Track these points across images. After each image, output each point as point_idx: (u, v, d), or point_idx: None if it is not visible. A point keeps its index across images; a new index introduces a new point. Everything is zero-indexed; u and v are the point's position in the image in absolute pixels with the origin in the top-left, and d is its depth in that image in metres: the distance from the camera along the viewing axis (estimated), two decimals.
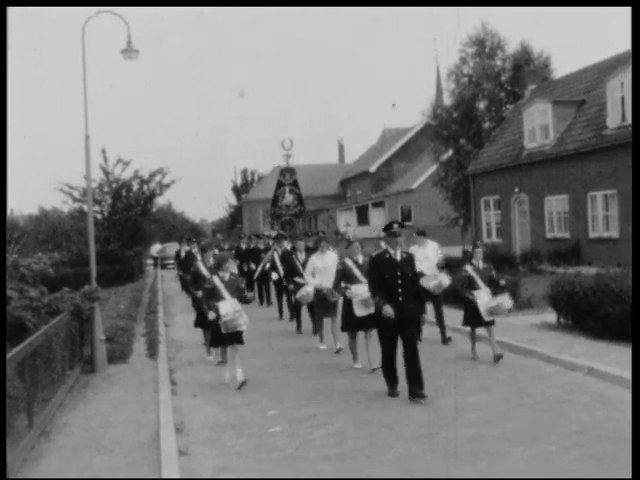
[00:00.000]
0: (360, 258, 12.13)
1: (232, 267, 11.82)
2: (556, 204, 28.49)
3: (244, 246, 23.79)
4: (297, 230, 36.45)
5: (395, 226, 9.91)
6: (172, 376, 12.20)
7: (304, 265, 15.52)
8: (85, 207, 34.16)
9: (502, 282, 12.58)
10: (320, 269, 13.99)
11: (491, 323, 12.16)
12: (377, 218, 50.70)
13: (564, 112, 28.47)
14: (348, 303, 11.90)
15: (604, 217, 25.53)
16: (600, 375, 10.53)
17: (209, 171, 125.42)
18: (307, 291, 14.57)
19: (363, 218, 52.54)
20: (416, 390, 9.62)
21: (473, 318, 12.27)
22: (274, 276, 19.62)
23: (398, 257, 9.85)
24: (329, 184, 64.78)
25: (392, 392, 10.00)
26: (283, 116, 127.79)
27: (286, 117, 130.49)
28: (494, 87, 36.00)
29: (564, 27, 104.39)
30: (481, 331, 12.57)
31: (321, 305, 14.03)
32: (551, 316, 15.01)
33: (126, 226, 38.84)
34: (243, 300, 11.48)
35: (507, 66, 36.23)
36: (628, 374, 10.16)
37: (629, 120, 23.78)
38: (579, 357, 11.61)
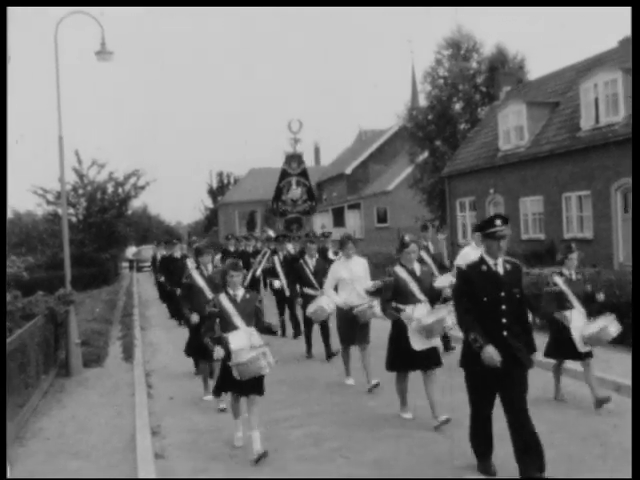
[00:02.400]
0: (417, 267, 8.85)
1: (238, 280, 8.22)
2: (531, 205, 28.65)
3: (232, 249, 19.89)
4: (303, 231, 29.95)
5: (498, 223, 6.65)
6: (148, 379, 12.13)
7: (316, 273, 13.14)
8: (59, 210, 33.96)
9: (600, 296, 9.45)
10: (346, 280, 10.81)
11: (588, 355, 9.18)
12: (353, 220, 50.79)
13: (539, 114, 28.62)
14: (400, 331, 8.64)
15: (578, 218, 25.71)
16: (573, 375, 10.59)
17: (185, 173, 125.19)
18: (321, 306, 11.72)
19: (339, 220, 52.54)
20: (531, 470, 6.48)
21: (562, 347, 9.28)
22: (276, 284, 16.30)
23: (500, 269, 6.69)
24: None
25: (486, 467, 6.93)
26: (258, 118, 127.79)
27: (261, 119, 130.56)
28: (469, 89, 36.17)
29: (542, 28, 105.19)
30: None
31: (349, 328, 10.71)
32: None
33: (101, 229, 38.62)
34: (265, 330, 8.32)
35: (482, 68, 36.44)
36: (601, 374, 10.26)
37: (602, 122, 24.00)
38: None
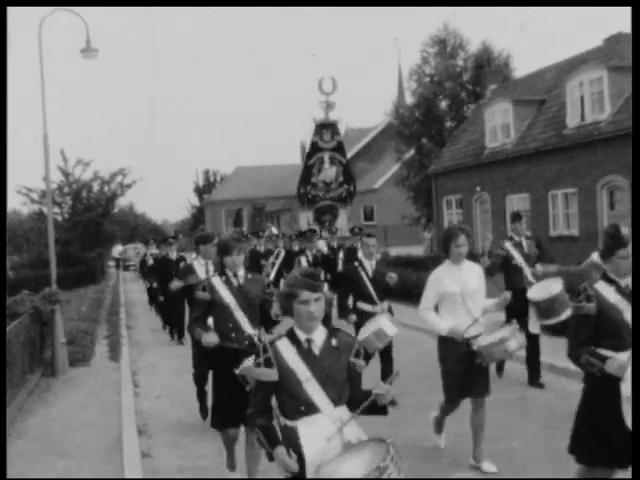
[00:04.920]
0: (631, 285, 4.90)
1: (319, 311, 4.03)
2: (517, 203, 28.70)
3: None
4: (332, 225, 25.23)
5: None
6: (135, 378, 12.10)
7: (375, 280, 9.38)
8: (44, 209, 33.81)
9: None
10: (455, 297, 6.78)
11: None
12: (339, 218, 50.74)
13: (525, 111, 28.69)
14: (613, 397, 4.72)
15: (565, 215, 25.80)
16: (561, 371, 10.62)
17: (171, 172, 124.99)
18: (380, 328, 8.33)
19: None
20: None
21: None
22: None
23: None
24: (291, 184, 64.67)
25: None
26: (245, 116, 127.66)
27: (248, 117, 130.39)
28: (455, 87, 36.25)
29: (527, 26, 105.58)
30: None
31: (461, 373, 6.70)
32: None
33: (87, 227, 38.52)
34: (372, 408, 4.40)
35: (468, 66, 36.51)
36: (550, 360, 10.31)
37: (588, 119, 24.09)
38: (541, 355, 11.68)
